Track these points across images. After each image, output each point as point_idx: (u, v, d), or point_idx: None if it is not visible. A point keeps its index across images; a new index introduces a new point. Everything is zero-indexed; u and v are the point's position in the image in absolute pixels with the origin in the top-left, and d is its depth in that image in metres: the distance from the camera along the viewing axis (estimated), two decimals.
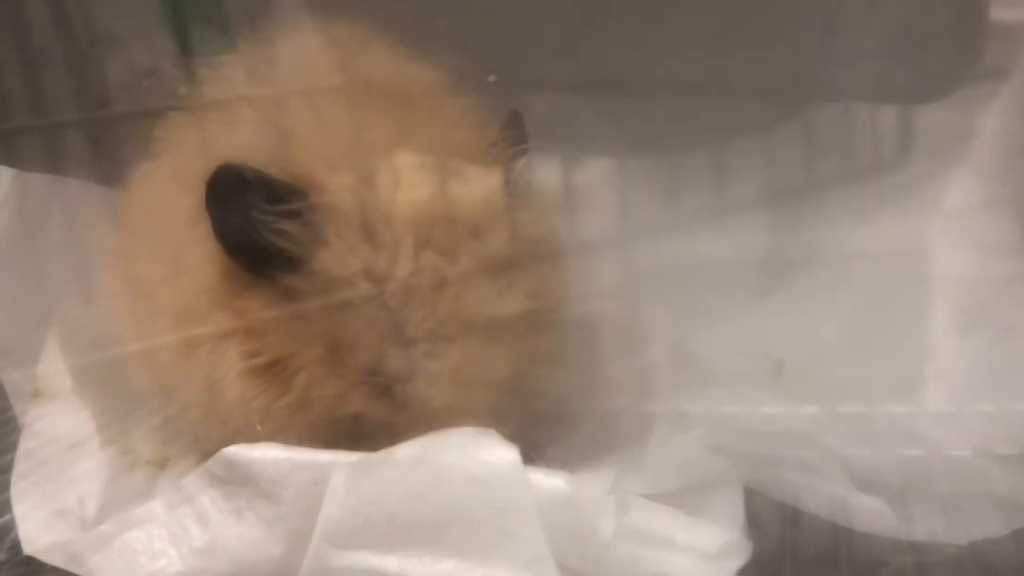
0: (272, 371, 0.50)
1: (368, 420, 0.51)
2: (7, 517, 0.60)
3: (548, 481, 0.42)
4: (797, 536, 0.53)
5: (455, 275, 0.48)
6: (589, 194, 0.68)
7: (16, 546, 0.57)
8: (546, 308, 0.52)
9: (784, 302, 0.65)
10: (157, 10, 0.76)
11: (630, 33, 0.72)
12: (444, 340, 0.49)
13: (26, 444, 0.61)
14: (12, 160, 0.74)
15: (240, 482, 0.48)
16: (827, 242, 0.70)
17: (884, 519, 0.53)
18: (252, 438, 0.50)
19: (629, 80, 0.73)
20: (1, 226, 0.65)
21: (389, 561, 0.43)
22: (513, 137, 0.52)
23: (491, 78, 0.53)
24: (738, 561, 0.46)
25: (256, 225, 0.48)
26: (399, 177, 0.48)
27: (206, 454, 0.62)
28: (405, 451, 0.44)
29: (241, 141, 0.50)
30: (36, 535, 0.55)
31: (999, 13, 0.68)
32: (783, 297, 0.66)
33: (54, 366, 0.63)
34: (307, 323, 0.49)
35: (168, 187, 0.54)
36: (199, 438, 0.60)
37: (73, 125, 0.81)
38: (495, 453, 0.42)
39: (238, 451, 0.47)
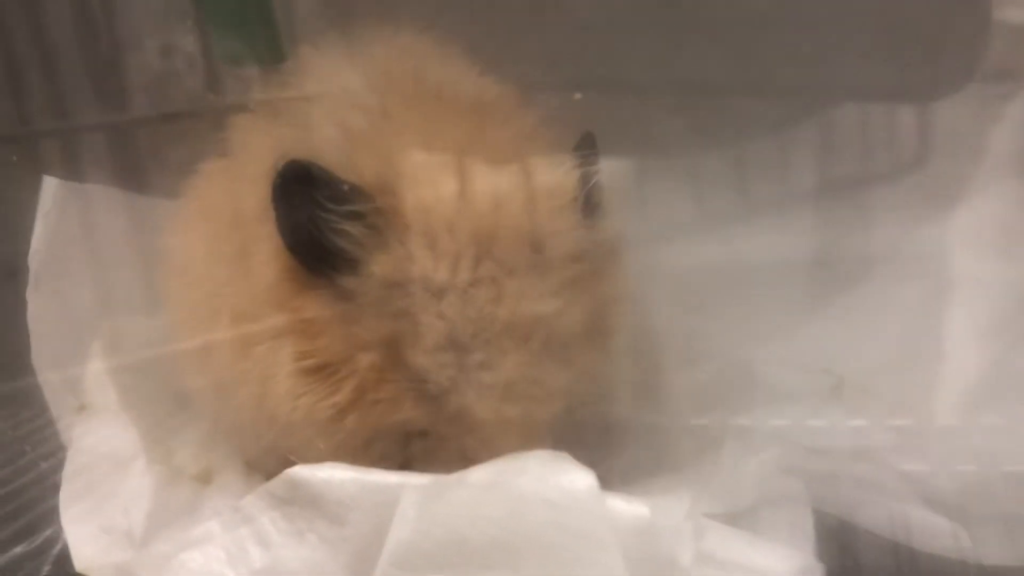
0: (323, 373, 0.50)
1: (417, 438, 0.51)
2: (51, 531, 0.59)
3: (627, 507, 0.41)
4: (857, 555, 0.52)
5: (514, 288, 0.48)
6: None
7: (60, 560, 0.57)
8: (606, 327, 0.51)
9: (837, 315, 0.65)
10: (187, 15, 0.76)
11: (650, 33, 0.72)
12: (499, 352, 0.48)
13: (74, 460, 0.60)
14: (36, 164, 0.73)
15: (303, 503, 0.47)
16: (875, 248, 0.70)
17: (947, 538, 0.52)
18: (298, 441, 0.50)
19: (646, 80, 0.73)
20: (45, 236, 0.64)
21: None
22: (585, 158, 0.51)
23: (577, 96, 0.52)
24: None
25: (319, 223, 0.48)
26: (465, 187, 0.48)
27: (249, 465, 0.62)
28: (478, 474, 0.43)
29: (309, 142, 0.50)
30: (87, 553, 0.55)
31: (1013, 15, 0.67)
32: (835, 309, 0.65)
33: (100, 379, 0.63)
34: (361, 327, 0.49)
35: (233, 187, 0.54)
36: (243, 446, 0.60)
37: (111, 129, 0.80)
38: (571, 478, 0.41)
39: (302, 471, 0.47)
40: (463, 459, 0.47)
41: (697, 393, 0.59)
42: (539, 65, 0.65)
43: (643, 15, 0.71)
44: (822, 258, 0.70)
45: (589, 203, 0.51)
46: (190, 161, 0.72)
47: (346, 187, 0.47)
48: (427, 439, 0.50)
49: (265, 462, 0.59)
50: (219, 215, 0.55)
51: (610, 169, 0.57)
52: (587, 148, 0.52)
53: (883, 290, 0.69)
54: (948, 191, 0.69)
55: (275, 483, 0.48)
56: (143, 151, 0.82)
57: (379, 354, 0.49)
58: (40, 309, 0.63)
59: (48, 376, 0.62)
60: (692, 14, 0.71)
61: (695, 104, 0.73)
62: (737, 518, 0.47)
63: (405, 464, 0.49)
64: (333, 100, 0.54)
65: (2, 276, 0.64)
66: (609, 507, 0.41)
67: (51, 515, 0.59)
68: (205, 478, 0.62)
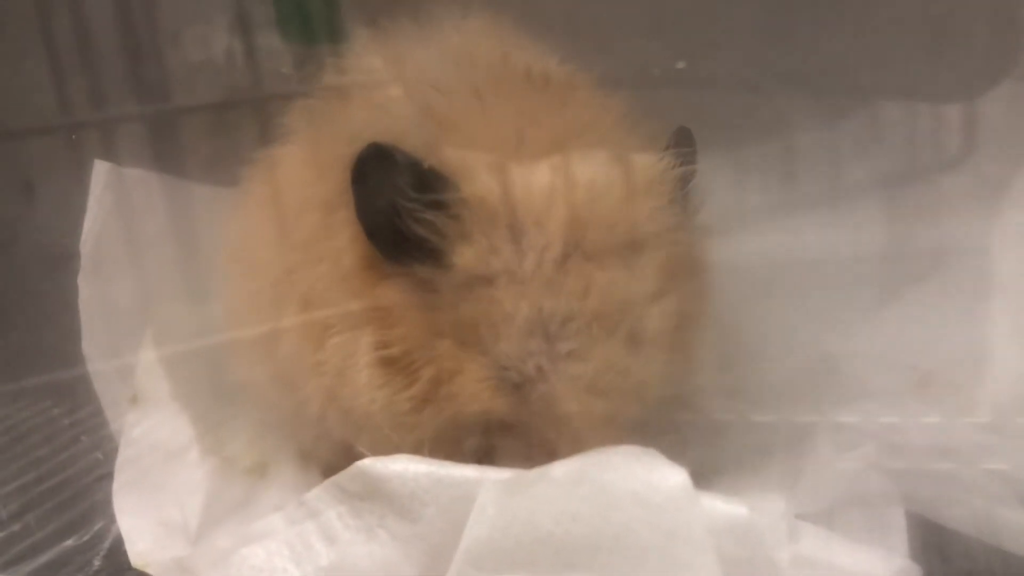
0: (401, 363, 0.48)
1: (497, 430, 0.49)
2: (102, 524, 0.58)
3: (723, 506, 0.39)
4: (946, 555, 0.50)
5: (604, 281, 0.46)
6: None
7: (112, 554, 0.55)
8: (694, 323, 0.49)
9: (918, 306, 0.62)
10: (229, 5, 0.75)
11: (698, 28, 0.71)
12: (588, 342, 0.46)
13: (126, 452, 0.59)
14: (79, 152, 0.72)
15: (374, 497, 0.45)
16: (949, 238, 0.67)
17: None
18: (371, 433, 0.49)
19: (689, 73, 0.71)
20: (96, 222, 0.62)
21: None
22: (682, 155, 0.49)
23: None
24: None
25: (399, 210, 0.46)
26: (557, 180, 0.46)
27: (304, 456, 0.60)
28: (562, 469, 0.41)
29: (390, 126, 0.48)
30: (144, 548, 0.53)
31: None
32: (915, 300, 0.63)
33: (151, 368, 0.61)
34: (441, 315, 0.47)
35: (303, 173, 0.52)
36: (301, 436, 0.58)
37: (153, 118, 0.79)
38: (662, 474, 0.39)
39: (374, 464, 0.45)
40: (544, 453, 0.45)
41: (779, 388, 0.57)
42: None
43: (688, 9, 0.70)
44: (883, 252, 0.68)
45: (685, 201, 0.49)
46: (236, 148, 0.71)
47: (430, 174, 0.45)
48: (507, 432, 0.48)
49: (321, 453, 0.58)
50: (287, 201, 0.53)
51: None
52: (684, 144, 0.50)
53: (942, 285, 0.66)
54: (994, 186, 0.67)
55: (343, 476, 0.46)
56: (185, 139, 0.81)
57: (459, 342, 0.47)
58: (91, 297, 0.61)
59: (99, 366, 0.61)
60: (738, 11, 0.70)
61: (746, 98, 0.72)
62: (828, 517, 0.45)
63: (484, 458, 0.47)
64: (410, 81, 0.51)
65: (57, 262, 0.63)
66: (704, 506, 0.39)
67: (102, 507, 0.58)
68: (260, 470, 0.60)
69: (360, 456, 0.46)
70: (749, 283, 0.62)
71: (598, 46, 0.66)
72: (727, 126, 0.70)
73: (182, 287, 0.62)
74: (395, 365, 0.47)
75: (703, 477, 0.41)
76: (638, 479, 0.39)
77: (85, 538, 0.57)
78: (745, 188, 0.75)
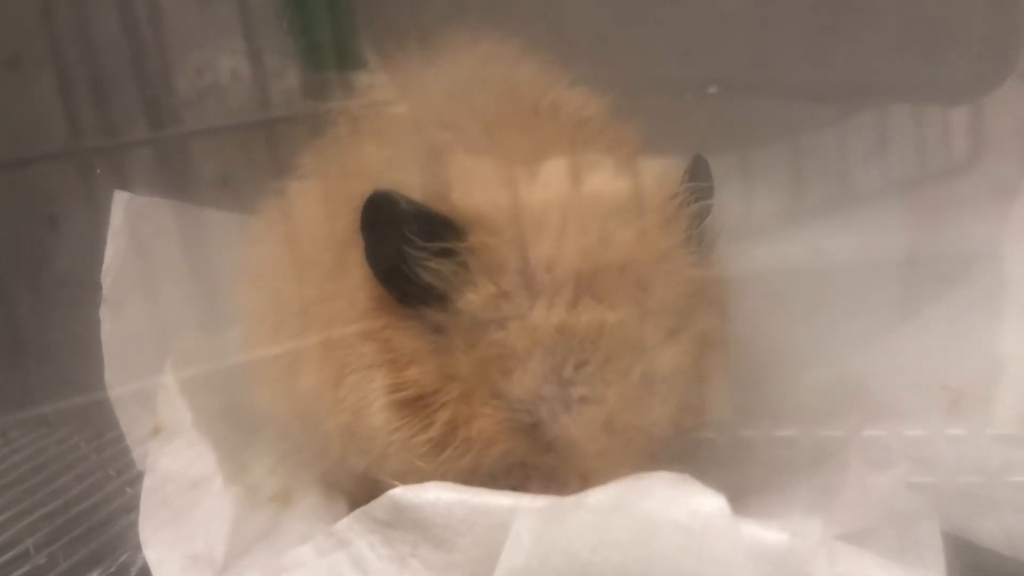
0: (416, 406, 0.48)
1: (516, 468, 0.48)
2: (126, 555, 0.58)
3: (763, 532, 0.39)
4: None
5: (616, 322, 0.46)
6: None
7: None
8: (712, 358, 0.49)
9: (943, 318, 0.61)
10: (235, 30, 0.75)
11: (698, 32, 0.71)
12: (602, 385, 0.46)
13: (150, 484, 0.58)
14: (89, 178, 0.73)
15: (406, 527, 0.45)
16: (968, 243, 0.67)
17: None
18: (393, 468, 0.48)
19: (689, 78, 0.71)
20: (119, 253, 0.62)
21: None
22: (698, 190, 0.49)
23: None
24: None
25: (406, 257, 0.46)
26: (567, 221, 0.46)
27: (327, 484, 0.60)
28: (598, 496, 0.40)
29: (398, 166, 0.48)
30: None
31: None
32: (939, 312, 0.62)
33: (173, 399, 0.61)
34: (453, 359, 0.47)
35: (317, 210, 0.52)
36: (326, 467, 0.58)
37: (163, 143, 0.79)
38: (700, 500, 0.39)
39: (406, 493, 0.44)
40: (576, 481, 0.44)
41: (802, 406, 0.56)
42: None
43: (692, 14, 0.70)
44: (899, 259, 0.68)
45: (701, 239, 0.49)
46: (248, 172, 0.71)
47: (437, 221, 0.46)
48: (532, 469, 0.48)
49: (344, 483, 0.58)
50: (303, 237, 0.53)
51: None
52: (699, 177, 0.49)
53: (964, 295, 0.66)
54: (1005, 188, 0.67)
55: (374, 505, 0.46)
56: (196, 164, 0.81)
57: (472, 386, 0.47)
58: (113, 328, 0.61)
59: (122, 396, 0.61)
60: (742, 15, 0.70)
61: (750, 102, 0.72)
62: (861, 537, 0.45)
63: (516, 489, 0.46)
64: (421, 115, 0.51)
65: (82, 292, 0.63)
66: (743, 532, 0.38)
67: (127, 537, 0.58)
68: (283, 498, 0.60)
69: (387, 486, 0.46)
70: (763, 294, 0.61)
71: (604, 52, 0.66)
72: (732, 130, 0.70)
73: (200, 316, 0.62)
74: (410, 408, 0.47)
75: (731, 498, 0.41)
76: (676, 506, 0.39)
77: (111, 570, 0.57)
78: (753, 194, 0.75)
